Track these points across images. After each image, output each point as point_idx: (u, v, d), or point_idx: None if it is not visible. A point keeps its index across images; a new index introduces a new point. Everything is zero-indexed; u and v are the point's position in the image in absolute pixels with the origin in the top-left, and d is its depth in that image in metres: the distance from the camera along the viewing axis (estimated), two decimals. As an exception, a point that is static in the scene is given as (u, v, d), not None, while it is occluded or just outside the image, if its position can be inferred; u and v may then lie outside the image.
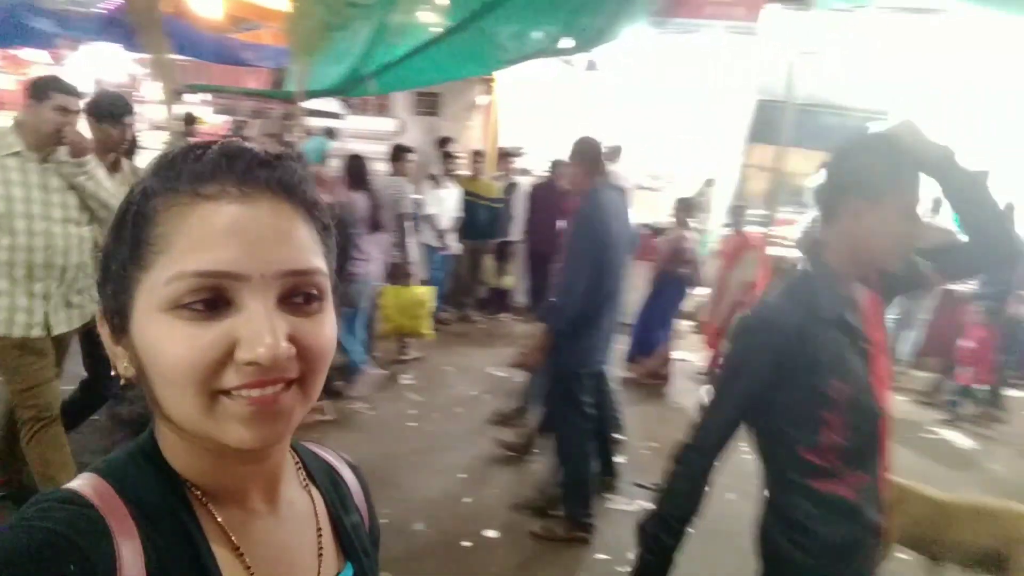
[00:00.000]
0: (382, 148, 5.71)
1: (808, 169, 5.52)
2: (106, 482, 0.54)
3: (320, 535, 0.67)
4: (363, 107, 8.63)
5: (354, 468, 0.81)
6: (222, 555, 0.56)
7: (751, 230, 5.43)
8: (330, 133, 7.87)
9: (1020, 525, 2.34)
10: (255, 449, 0.52)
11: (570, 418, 3.02)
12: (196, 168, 0.52)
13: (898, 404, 4.73)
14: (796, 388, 1.29)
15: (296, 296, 0.52)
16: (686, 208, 5.23)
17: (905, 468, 2.26)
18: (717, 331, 5.05)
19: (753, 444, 1.39)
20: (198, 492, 0.57)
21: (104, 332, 0.56)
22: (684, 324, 5.79)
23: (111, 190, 2.52)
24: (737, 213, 5.59)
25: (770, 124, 5.97)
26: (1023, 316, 5.11)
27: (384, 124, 8.34)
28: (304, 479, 0.70)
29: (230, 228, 0.50)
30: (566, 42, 5.13)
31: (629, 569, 1.39)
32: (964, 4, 4.48)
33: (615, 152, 6.11)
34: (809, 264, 1.36)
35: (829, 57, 5.82)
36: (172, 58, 4.17)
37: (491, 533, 3.06)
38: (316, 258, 0.54)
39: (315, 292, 0.54)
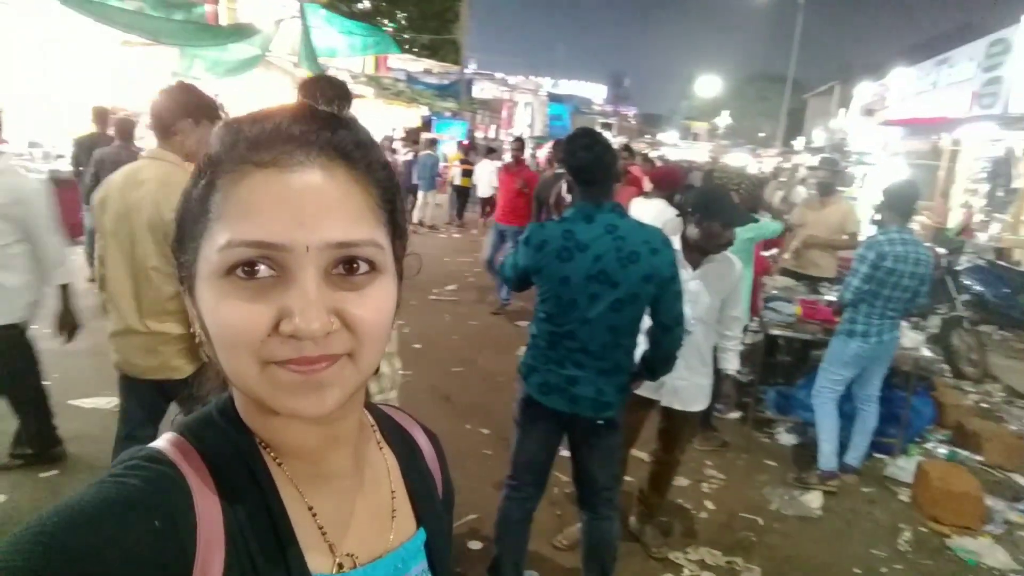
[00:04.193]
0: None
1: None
2: (188, 442, 0.59)
3: (394, 497, 0.71)
4: None
5: (430, 433, 0.85)
6: (295, 514, 0.60)
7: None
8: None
9: None
10: (307, 417, 0.54)
11: None
12: (254, 134, 0.53)
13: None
14: None
15: (346, 268, 0.54)
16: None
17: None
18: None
19: None
20: (272, 453, 0.61)
21: (184, 297, 0.59)
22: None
23: None
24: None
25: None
26: None
27: None
28: (380, 441, 0.74)
29: (278, 198, 0.51)
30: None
31: None
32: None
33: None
34: None
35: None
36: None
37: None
38: (368, 228, 0.55)
39: (366, 264, 0.54)
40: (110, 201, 2.45)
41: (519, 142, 7.44)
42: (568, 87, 38.22)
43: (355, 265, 0.54)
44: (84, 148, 7.01)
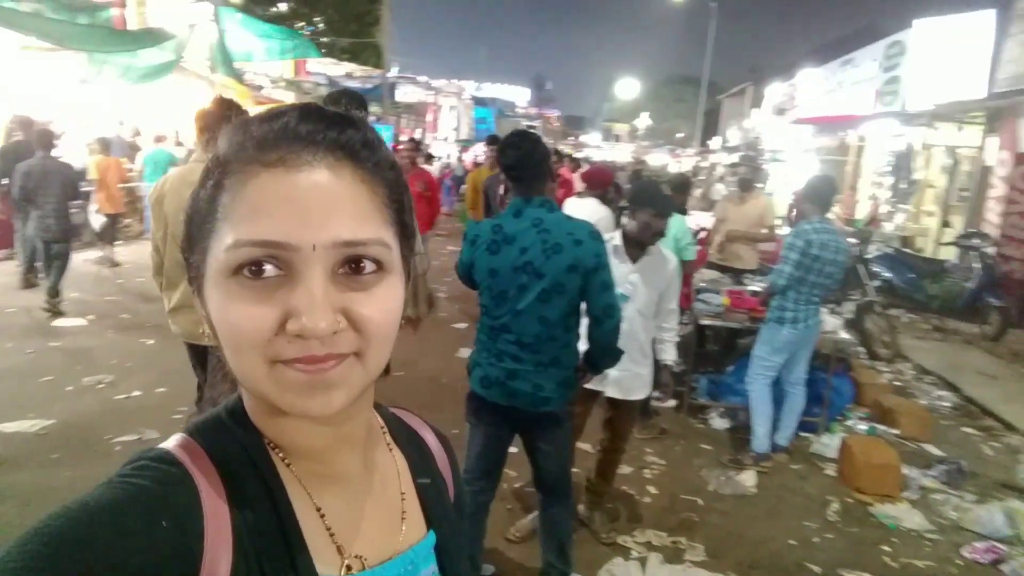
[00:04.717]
0: None
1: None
2: (196, 443, 0.59)
3: (404, 498, 0.71)
4: None
5: (440, 436, 0.85)
6: (303, 515, 0.60)
7: None
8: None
9: None
10: (315, 417, 0.55)
11: None
12: (262, 134, 0.54)
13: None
14: None
15: (353, 267, 0.54)
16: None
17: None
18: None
19: None
20: (281, 453, 0.61)
21: (194, 298, 0.59)
22: None
23: None
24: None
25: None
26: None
27: None
28: (389, 442, 0.74)
29: (285, 197, 0.52)
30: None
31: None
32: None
33: None
34: None
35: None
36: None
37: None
38: (375, 227, 0.55)
39: (373, 263, 0.55)
40: (166, 199, 2.95)
41: (412, 143, 7.44)
42: (492, 90, 38.43)
43: (362, 265, 0.54)
44: (8, 159, 7.10)
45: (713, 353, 5.84)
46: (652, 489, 3.95)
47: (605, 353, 2.60)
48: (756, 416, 4.32)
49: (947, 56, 11.08)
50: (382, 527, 0.67)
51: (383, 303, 0.56)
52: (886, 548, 3.51)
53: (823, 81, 17.17)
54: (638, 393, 3.32)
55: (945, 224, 10.73)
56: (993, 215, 9.20)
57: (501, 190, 2.72)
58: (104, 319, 6.42)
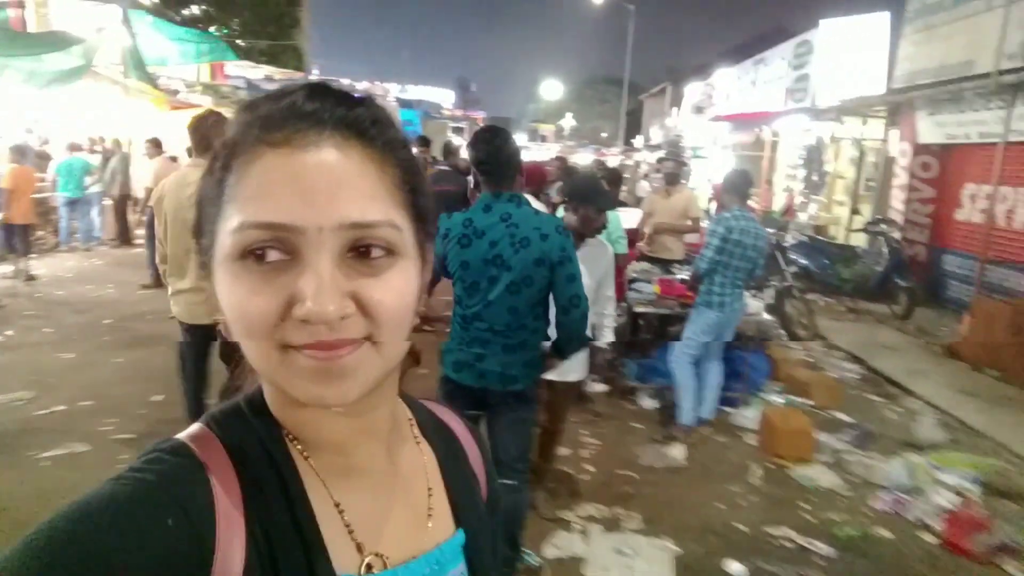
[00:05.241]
0: None
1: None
2: (213, 433, 0.59)
3: (431, 495, 0.68)
4: None
5: (473, 431, 0.82)
6: (321, 510, 0.58)
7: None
8: None
9: None
10: (330, 406, 0.54)
11: None
12: (269, 113, 0.53)
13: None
14: None
15: (361, 250, 0.53)
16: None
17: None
18: None
19: None
20: (300, 446, 0.60)
21: (205, 283, 0.58)
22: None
23: None
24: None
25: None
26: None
27: None
28: (417, 435, 0.72)
29: (290, 177, 0.51)
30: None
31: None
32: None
33: None
34: None
35: None
36: None
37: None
38: (385, 209, 0.54)
39: (382, 246, 0.53)
40: (167, 199, 3.44)
41: None
42: (416, 92, 38.35)
43: (371, 248, 0.53)
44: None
45: (641, 340, 6.15)
46: (590, 467, 4.19)
47: (572, 340, 2.74)
48: (682, 392, 4.62)
49: (850, 54, 11.89)
50: (407, 524, 0.65)
51: (394, 287, 0.54)
52: (805, 505, 3.85)
53: (737, 80, 18.02)
54: (574, 375, 3.53)
55: (855, 212, 11.47)
56: (897, 202, 9.95)
57: (472, 183, 2.85)
58: (26, 334, 6.22)
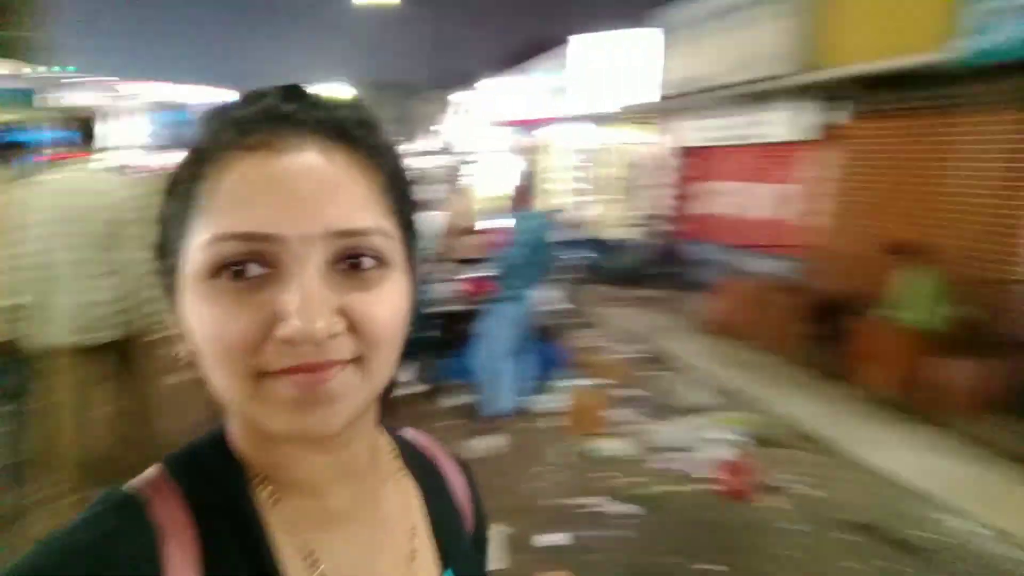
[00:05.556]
0: None
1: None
2: (171, 477, 0.53)
3: (414, 535, 0.63)
4: None
5: (460, 462, 0.76)
6: (290, 560, 0.53)
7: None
8: None
9: None
10: (310, 439, 0.49)
11: None
12: (244, 116, 0.49)
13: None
14: None
15: (351, 261, 0.48)
16: None
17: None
18: None
19: None
20: (269, 487, 0.54)
21: (166, 315, 0.53)
22: None
23: None
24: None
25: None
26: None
27: None
28: (399, 471, 0.66)
29: (269, 183, 0.46)
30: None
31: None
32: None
33: None
34: None
35: None
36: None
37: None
38: (373, 216, 0.50)
39: (373, 256, 0.49)
40: None
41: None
42: (189, 93, 35.44)
43: (362, 259, 0.48)
44: None
45: (452, 338, 6.38)
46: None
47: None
48: (492, 385, 4.95)
49: (617, 65, 13.32)
50: (388, 568, 0.59)
51: (388, 302, 0.50)
52: (611, 474, 4.32)
53: (507, 88, 19.25)
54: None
55: (629, 210, 12.87)
56: (665, 200, 11.44)
57: None
58: None
